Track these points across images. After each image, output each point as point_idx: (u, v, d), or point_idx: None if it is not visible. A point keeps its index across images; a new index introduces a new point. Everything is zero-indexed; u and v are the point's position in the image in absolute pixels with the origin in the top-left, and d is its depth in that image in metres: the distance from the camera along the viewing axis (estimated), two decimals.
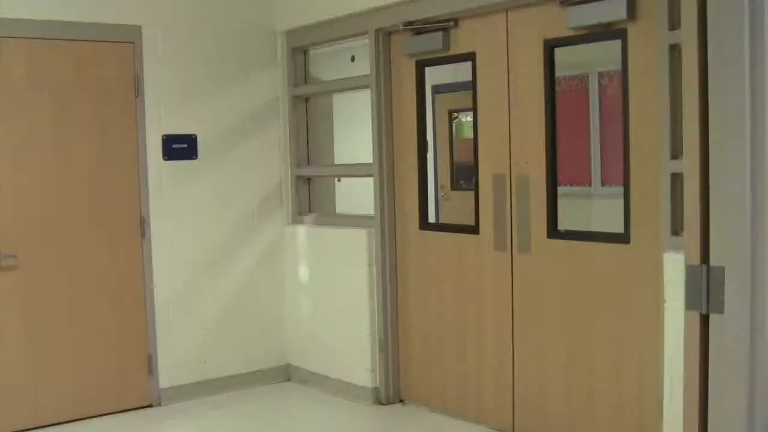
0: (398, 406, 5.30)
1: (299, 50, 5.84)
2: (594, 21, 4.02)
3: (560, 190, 4.41)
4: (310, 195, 5.97)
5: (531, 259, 4.47)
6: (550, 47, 4.30)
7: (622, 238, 4.05)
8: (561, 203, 4.42)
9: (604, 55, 4.45)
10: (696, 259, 1.86)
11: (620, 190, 4.07)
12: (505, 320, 4.62)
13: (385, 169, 5.23)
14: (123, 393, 5.27)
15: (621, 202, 4.06)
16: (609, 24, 3.99)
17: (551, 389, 4.43)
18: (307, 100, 5.92)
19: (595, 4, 4.00)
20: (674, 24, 3.64)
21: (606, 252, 4.15)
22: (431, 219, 5.25)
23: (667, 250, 3.69)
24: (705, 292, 1.84)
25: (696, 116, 1.85)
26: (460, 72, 5.06)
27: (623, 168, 4.02)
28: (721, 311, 1.81)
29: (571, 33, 4.17)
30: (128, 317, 5.27)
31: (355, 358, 5.38)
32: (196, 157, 5.49)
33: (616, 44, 4.02)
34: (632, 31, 3.92)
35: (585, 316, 4.25)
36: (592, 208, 4.92)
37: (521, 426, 4.61)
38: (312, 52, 5.93)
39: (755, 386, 1.78)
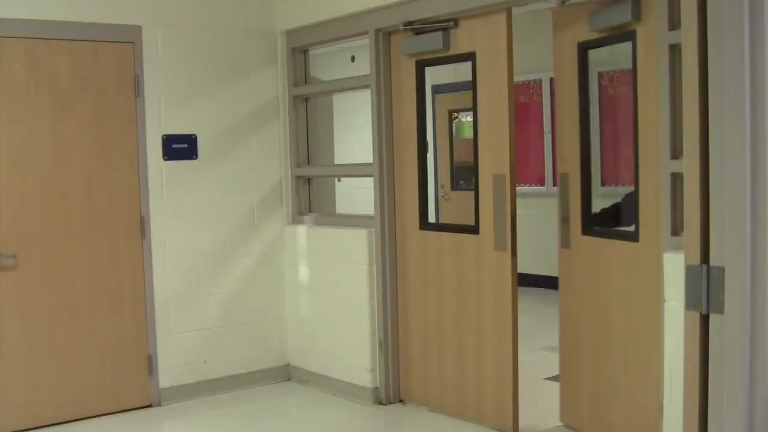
0: (398, 406, 5.30)
1: (299, 50, 5.84)
2: (607, 24, 4.02)
3: None
4: (310, 195, 5.97)
5: None
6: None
7: (632, 237, 4.04)
8: None
9: (604, 55, 4.45)
10: (696, 259, 1.86)
11: (618, 190, 4.06)
12: (505, 320, 4.62)
13: (385, 169, 5.23)
14: (123, 393, 5.27)
15: (618, 201, 4.05)
16: (622, 26, 3.99)
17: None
18: (307, 100, 5.92)
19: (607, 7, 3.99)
20: (674, 24, 3.64)
21: (612, 250, 4.14)
22: (431, 219, 5.26)
23: (667, 249, 3.69)
24: (705, 292, 1.84)
25: (696, 116, 1.85)
26: (460, 72, 5.06)
27: (633, 168, 4.00)
28: (721, 311, 1.81)
29: (595, 35, 4.16)
30: (128, 317, 5.27)
31: (355, 358, 5.38)
32: (196, 157, 5.49)
33: (616, 45, 4.02)
34: (640, 32, 3.91)
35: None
36: (592, 208, 4.92)
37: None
38: (312, 52, 5.92)
39: (755, 386, 1.77)
